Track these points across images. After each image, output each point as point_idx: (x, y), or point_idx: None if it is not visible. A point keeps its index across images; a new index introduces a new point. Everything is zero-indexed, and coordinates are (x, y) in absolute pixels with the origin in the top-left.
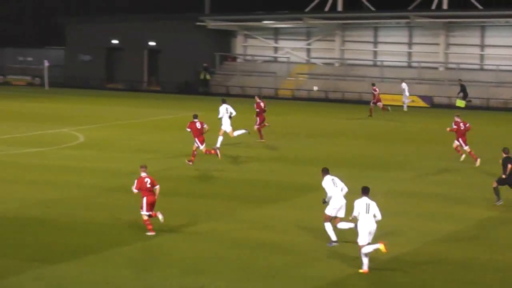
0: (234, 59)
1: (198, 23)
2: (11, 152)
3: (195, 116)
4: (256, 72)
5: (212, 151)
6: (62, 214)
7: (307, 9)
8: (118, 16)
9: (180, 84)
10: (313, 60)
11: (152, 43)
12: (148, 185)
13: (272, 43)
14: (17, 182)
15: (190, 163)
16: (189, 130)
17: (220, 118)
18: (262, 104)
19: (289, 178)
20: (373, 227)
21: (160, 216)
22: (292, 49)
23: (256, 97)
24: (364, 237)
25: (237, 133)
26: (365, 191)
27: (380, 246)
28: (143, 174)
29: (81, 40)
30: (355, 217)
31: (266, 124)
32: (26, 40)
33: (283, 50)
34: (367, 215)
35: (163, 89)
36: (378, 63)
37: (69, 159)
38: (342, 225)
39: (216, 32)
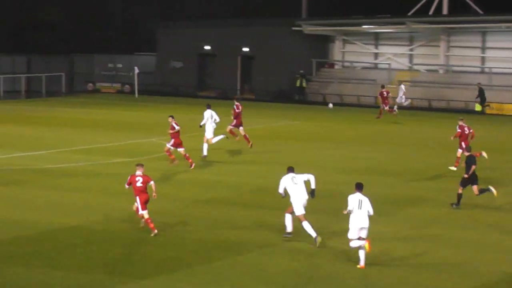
0: (331, 65)
1: (294, 28)
2: (99, 162)
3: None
4: (354, 80)
5: (190, 160)
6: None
7: (410, 13)
8: (210, 21)
9: (275, 92)
10: (416, 67)
11: (245, 49)
12: (140, 184)
13: (372, 49)
14: (105, 193)
15: (176, 161)
16: (171, 131)
17: (203, 125)
18: (238, 108)
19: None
20: (365, 223)
21: (153, 233)
22: (393, 55)
23: (234, 99)
24: (353, 232)
25: (215, 139)
26: (359, 187)
27: (365, 244)
28: (137, 173)
29: (173, 46)
30: (349, 211)
31: (236, 131)
32: (116, 46)
33: (384, 56)
34: (360, 211)
35: (256, 97)
36: (486, 69)
37: (158, 170)
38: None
39: (313, 37)
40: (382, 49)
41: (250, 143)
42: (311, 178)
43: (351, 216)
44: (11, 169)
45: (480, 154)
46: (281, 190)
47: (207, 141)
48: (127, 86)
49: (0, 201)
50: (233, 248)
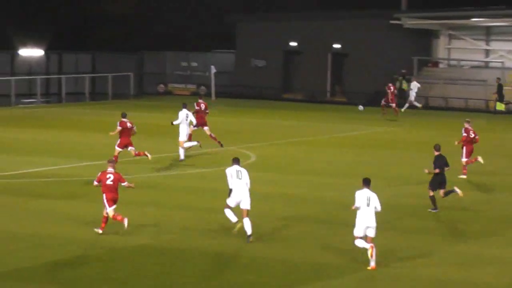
0: (435, 64)
1: (392, 22)
2: (169, 173)
3: (124, 115)
4: (462, 80)
5: (141, 153)
6: (232, 246)
7: None
8: (297, 13)
9: (369, 94)
10: None
11: (337, 46)
12: (110, 182)
13: (482, 45)
14: (179, 208)
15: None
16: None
17: (177, 125)
18: (199, 106)
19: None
20: (372, 222)
21: (125, 223)
22: (507, 52)
23: (198, 97)
24: (359, 230)
25: (188, 144)
26: (367, 183)
27: (369, 249)
28: (108, 170)
29: (254, 43)
30: (356, 207)
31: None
32: (190, 43)
33: (496, 54)
34: (368, 208)
35: (349, 99)
36: None
37: None
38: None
39: (414, 32)
40: (494, 45)
41: (220, 143)
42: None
43: (358, 213)
44: (80, 180)
45: (476, 159)
46: (230, 186)
47: (180, 144)
48: (202, 87)
49: (66, 217)
50: (323, 270)
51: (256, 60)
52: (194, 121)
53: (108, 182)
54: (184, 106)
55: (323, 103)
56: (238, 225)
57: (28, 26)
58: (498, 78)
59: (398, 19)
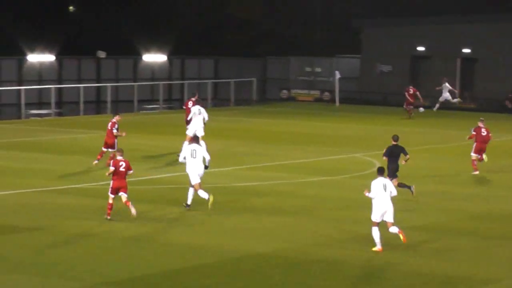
0: None
1: None
2: (293, 180)
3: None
4: None
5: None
6: (355, 256)
7: None
8: (425, 18)
9: (502, 100)
10: None
11: (466, 50)
12: (122, 169)
13: None
14: (302, 215)
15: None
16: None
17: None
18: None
19: None
20: (389, 206)
21: (132, 210)
22: None
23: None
24: (376, 215)
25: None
26: (381, 171)
27: (400, 235)
28: (119, 157)
29: (380, 47)
30: (371, 196)
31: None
32: (315, 47)
33: None
34: (385, 194)
35: (479, 106)
36: None
37: (361, 191)
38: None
39: None
40: None
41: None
42: (207, 157)
43: (375, 201)
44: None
45: (482, 159)
46: (181, 159)
47: (187, 138)
48: (326, 93)
49: (187, 226)
50: (453, 283)
51: (382, 66)
52: (206, 117)
53: (121, 169)
54: (197, 101)
55: (452, 109)
56: (211, 200)
57: (151, 32)
58: None
59: None
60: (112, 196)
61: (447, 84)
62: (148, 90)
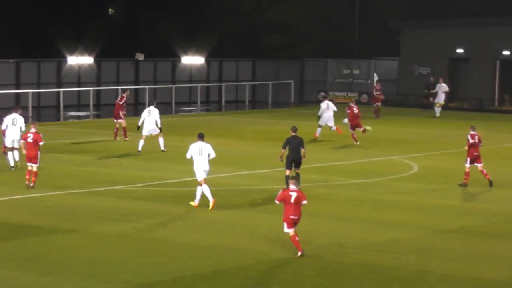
0: None
1: None
2: (331, 183)
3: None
4: None
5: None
6: (391, 260)
7: None
8: (464, 20)
9: None
10: None
11: (506, 53)
12: (30, 140)
13: None
14: (335, 218)
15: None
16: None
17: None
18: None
19: None
20: (206, 166)
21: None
22: None
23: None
24: (200, 175)
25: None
26: (201, 137)
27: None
28: (32, 130)
29: (418, 49)
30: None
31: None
32: (353, 49)
33: None
34: (200, 157)
35: None
36: None
37: (399, 193)
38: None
39: None
40: None
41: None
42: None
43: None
44: (239, 189)
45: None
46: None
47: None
48: (364, 95)
49: (214, 227)
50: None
51: (421, 68)
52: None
53: (29, 140)
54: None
55: (490, 111)
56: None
57: (190, 34)
58: None
59: None
60: (28, 164)
61: (443, 85)
62: (186, 92)
